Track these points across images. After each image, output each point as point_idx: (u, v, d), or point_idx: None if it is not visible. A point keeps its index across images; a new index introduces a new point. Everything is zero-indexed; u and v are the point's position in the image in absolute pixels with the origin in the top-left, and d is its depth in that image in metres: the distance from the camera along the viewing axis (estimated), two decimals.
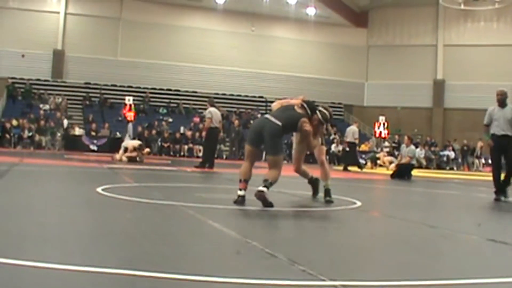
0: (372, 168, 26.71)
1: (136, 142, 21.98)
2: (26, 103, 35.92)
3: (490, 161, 11.56)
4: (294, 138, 8.80)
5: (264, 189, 7.00)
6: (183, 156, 32.75)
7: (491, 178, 10.93)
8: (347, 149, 24.39)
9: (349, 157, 24.18)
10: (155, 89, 40.41)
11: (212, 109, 17.83)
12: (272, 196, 7.23)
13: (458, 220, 7.60)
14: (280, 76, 43.22)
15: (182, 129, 35.36)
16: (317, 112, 7.75)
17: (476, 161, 38.16)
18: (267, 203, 6.94)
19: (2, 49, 37.58)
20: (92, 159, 21.79)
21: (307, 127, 7.40)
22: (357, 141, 24.35)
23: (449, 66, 43.50)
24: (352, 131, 23.93)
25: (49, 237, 4.58)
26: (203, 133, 24.67)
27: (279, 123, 7.27)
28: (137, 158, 20.73)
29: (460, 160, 38.24)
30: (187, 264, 3.80)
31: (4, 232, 4.70)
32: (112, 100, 38.48)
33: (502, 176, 10.74)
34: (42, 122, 32.65)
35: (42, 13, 39.15)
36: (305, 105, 7.59)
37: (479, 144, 37.94)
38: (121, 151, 21.35)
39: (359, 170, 23.21)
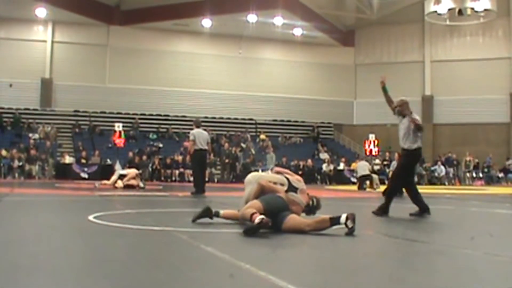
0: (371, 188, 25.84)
1: (135, 171, 22.06)
2: (15, 133, 35.89)
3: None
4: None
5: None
6: (175, 181, 32.71)
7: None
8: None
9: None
10: (144, 114, 40.46)
11: (195, 130, 17.11)
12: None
13: (451, 235, 7.60)
14: (269, 97, 43.36)
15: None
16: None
17: (467, 175, 38.19)
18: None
19: None
20: (83, 187, 21.72)
21: None
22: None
23: (437, 82, 43.74)
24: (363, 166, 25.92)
25: (41, 267, 4.55)
26: (187, 157, 24.72)
27: None
28: (140, 184, 21.00)
29: (451, 175, 38.23)
30: None
31: None
32: (101, 127, 38.51)
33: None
34: (32, 152, 32.57)
35: (29, 42, 39.22)
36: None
37: (468, 158, 38.19)
38: (114, 177, 21.37)
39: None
